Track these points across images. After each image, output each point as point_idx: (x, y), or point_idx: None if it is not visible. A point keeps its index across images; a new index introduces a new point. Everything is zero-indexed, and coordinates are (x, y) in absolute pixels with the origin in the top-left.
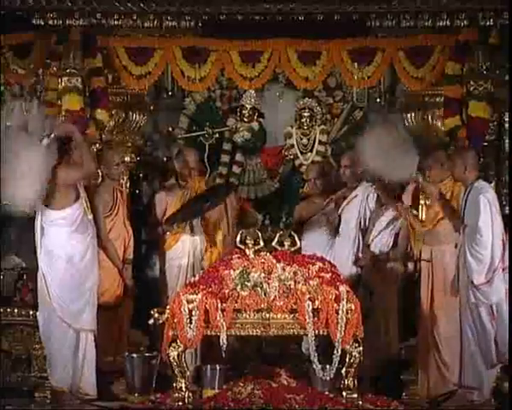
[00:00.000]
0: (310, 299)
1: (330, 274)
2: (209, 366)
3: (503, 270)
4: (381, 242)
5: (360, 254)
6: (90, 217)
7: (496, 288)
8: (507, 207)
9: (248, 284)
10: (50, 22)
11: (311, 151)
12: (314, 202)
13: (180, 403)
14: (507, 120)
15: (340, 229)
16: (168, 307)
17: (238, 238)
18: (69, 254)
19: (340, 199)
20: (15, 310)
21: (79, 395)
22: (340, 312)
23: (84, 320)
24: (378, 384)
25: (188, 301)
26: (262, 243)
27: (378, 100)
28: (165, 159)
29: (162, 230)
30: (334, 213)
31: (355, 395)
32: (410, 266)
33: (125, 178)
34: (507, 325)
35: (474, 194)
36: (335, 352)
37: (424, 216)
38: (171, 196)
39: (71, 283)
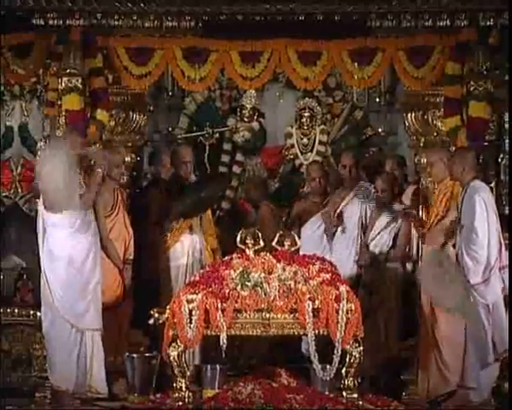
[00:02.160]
0: (310, 299)
1: (330, 274)
2: (209, 366)
3: (502, 269)
4: (380, 242)
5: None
6: (92, 217)
7: (492, 287)
8: (507, 207)
9: (248, 284)
10: (50, 22)
11: (312, 151)
12: (313, 202)
13: (180, 403)
14: (507, 120)
15: (340, 229)
16: (168, 306)
17: (238, 238)
18: (70, 255)
19: (337, 201)
20: (15, 310)
21: (89, 394)
22: (341, 312)
23: (88, 320)
24: (378, 384)
25: (188, 301)
26: (262, 243)
27: (378, 100)
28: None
29: (161, 229)
30: (333, 214)
31: (355, 395)
32: (409, 266)
33: (126, 178)
34: (504, 323)
35: (470, 194)
36: (335, 352)
37: (424, 216)
38: None
39: (73, 283)
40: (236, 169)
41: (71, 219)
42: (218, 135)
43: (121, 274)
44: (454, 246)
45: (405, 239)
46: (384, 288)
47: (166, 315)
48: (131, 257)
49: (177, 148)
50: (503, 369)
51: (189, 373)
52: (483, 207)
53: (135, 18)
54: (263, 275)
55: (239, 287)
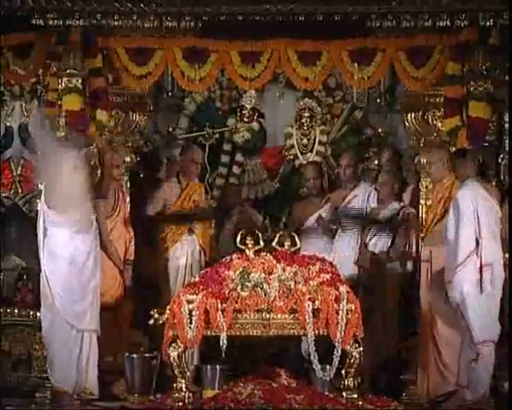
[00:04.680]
0: (310, 299)
1: (330, 274)
2: (209, 367)
3: (483, 266)
4: (379, 242)
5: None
6: (93, 217)
7: (456, 286)
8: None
9: (249, 285)
10: (50, 23)
11: (311, 151)
12: (311, 202)
13: (180, 403)
14: (507, 120)
15: (339, 229)
16: (168, 307)
17: (238, 238)
18: (72, 255)
19: (338, 200)
20: (15, 310)
21: (83, 395)
22: (341, 312)
23: (87, 321)
24: (378, 385)
25: (188, 302)
26: (262, 244)
27: (378, 100)
28: (165, 159)
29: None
30: (332, 214)
31: (355, 396)
32: (409, 265)
33: (126, 178)
34: (478, 319)
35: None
36: (335, 352)
37: (424, 216)
38: (172, 194)
39: (74, 283)
40: (236, 169)
41: (73, 218)
42: (217, 135)
43: (121, 275)
44: None
45: (404, 239)
46: (383, 288)
47: (166, 316)
48: (132, 258)
49: (188, 148)
50: (502, 369)
51: (188, 374)
52: (455, 204)
53: (135, 18)
54: (263, 275)
55: (239, 287)
